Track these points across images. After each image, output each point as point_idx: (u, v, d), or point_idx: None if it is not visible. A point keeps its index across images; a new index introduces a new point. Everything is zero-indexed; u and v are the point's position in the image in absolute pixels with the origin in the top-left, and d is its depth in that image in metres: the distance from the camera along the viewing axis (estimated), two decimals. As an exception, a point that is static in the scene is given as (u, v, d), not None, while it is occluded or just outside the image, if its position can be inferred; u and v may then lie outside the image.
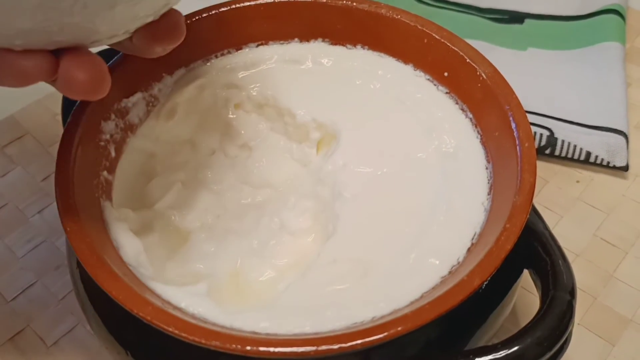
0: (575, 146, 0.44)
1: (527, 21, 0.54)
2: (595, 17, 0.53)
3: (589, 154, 0.44)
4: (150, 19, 0.26)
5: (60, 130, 0.45)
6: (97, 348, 0.36)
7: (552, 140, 0.45)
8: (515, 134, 0.32)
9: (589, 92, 0.48)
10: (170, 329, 0.25)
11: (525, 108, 0.46)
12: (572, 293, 0.29)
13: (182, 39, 0.28)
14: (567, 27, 0.53)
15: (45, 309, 0.38)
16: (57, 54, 0.25)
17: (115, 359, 0.30)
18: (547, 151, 0.45)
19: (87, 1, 0.22)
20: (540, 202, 0.43)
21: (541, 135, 0.45)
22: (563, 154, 0.45)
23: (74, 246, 0.27)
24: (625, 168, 0.44)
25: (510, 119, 0.32)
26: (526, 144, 0.31)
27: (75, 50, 0.25)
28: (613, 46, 0.50)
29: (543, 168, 0.45)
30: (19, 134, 0.46)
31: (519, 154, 0.31)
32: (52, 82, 0.26)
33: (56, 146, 0.45)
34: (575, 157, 0.45)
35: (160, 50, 0.29)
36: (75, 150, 0.31)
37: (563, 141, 0.45)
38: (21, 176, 0.44)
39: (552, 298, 0.29)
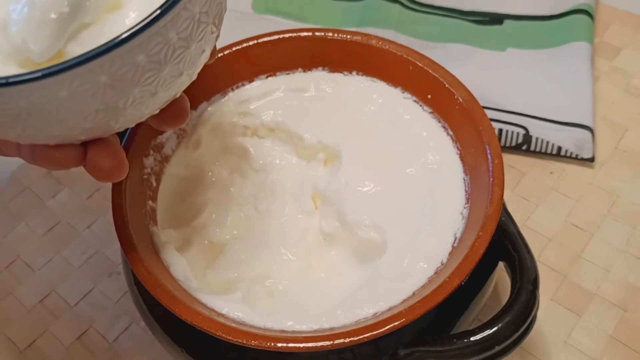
0: (547, 142, 0.51)
1: (506, 22, 0.60)
2: (566, 17, 0.58)
3: (559, 148, 0.51)
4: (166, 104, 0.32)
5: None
6: (150, 342, 0.44)
7: (527, 137, 0.51)
8: (487, 151, 0.38)
9: (560, 90, 0.54)
10: (219, 334, 0.32)
11: (505, 108, 0.53)
12: (535, 284, 0.36)
13: (186, 121, 0.34)
14: (542, 27, 0.59)
15: (104, 311, 0.45)
16: (84, 144, 0.30)
17: (172, 354, 0.37)
18: (524, 147, 0.51)
19: (135, 95, 0.28)
20: (518, 193, 0.50)
21: (518, 133, 0.51)
22: (537, 149, 0.51)
23: (136, 270, 0.34)
24: (592, 159, 0.50)
25: (483, 138, 0.38)
26: (496, 161, 0.37)
27: (99, 140, 0.30)
28: (582, 46, 0.55)
29: (521, 162, 0.52)
30: (63, 157, 0.53)
31: (490, 169, 0.37)
32: (83, 166, 0.31)
33: (96, 166, 0.52)
34: (548, 151, 0.51)
35: (167, 128, 0.35)
36: (125, 187, 0.38)
37: (537, 138, 0.51)
38: (69, 195, 0.51)
39: (519, 288, 0.35)
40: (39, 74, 0.24)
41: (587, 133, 0.51)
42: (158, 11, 0.26)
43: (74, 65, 0.24)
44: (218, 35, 0.31)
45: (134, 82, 0.27)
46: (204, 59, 0.31)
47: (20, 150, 0.32)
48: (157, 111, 0.31)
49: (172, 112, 0.33)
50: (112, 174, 0.31)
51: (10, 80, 0.24)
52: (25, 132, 0.28)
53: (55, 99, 0.26)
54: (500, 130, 0.52)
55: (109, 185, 0.50)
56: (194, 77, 0.32)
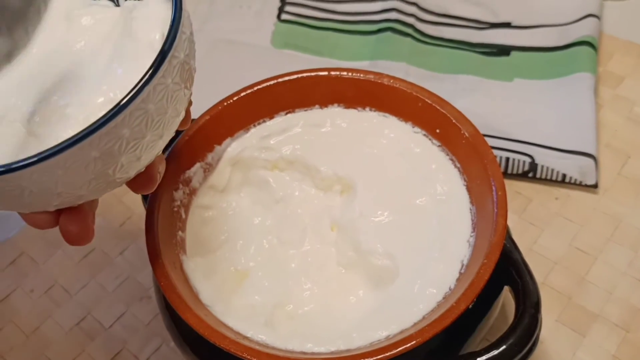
0: (552, 170, 0.53)
1: (513, 53, 0.63)
2: (570, 49, 0.61)
3: (564, 175, 0.53)
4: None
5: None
6: (179, 361, 0.47)
7: (533, 166, 0.54)
8: (492, 183, 0.41)
9: (565, 119, 0.56)
10: (245, 356, 0.35)
11: (511, 136, 0.56)
12: (537, 307, 0.38)
13: (155, 188, 0.36)
14: (548, 58, 0.62)
15: (136, 333, 0.48)
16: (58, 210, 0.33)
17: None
18: (530, 175, 0.54)
19: (123, 162, 0.31)
20: (525, 218, 0.53)
21: (524, 162, 0.54)
22: (543, 177, 0.54)
23: (168, 297, 0.38)
24: (595, 185, 0.53)
25: (488, 171, 0.41)
26: (500, 193, 0.40)
27: (70, 209, 0.33)
28: (585, 76, 0.58)
29: (528, 188, 0.54)
30: (96, 188, 0.56)
31: (495, 200, 0.40)
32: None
33: (128, 196, 0.56)
34: (554, 178, 0.54)
35: (138, 193, 0.37)
36: (158, 219, 0.41)
37: (542, 166, 0.54)
38: (102, 224, 0.54)
39: (522, 312, 0.38)
40: (36, 158, 0.27)
41: (590, 161, 0.53)
42: (136, 88, 0.28)
43: (67, 147, 0.27)
44: (191, 94, 0.34)
45: (121, 152, 0.30)
46: (181, 118, 0.34)
47: None
48: (143, 169, 0.34)
49: (141, 181, 0.35)
50: (78, 240, 0.34)
51: (13, 166, 0.27)
52: (27, 207, 0.31)
53: (53, 176, 0.29)
54: (508, 159, 0.54)
55: (140, 213, 0.54)
56: (173, 134, 0.34)
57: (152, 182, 0.36)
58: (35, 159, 0.27)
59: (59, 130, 0.32)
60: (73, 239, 0.34)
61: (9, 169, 0.27)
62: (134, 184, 0.35)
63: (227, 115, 0.47)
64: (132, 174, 0.33)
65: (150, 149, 0.32)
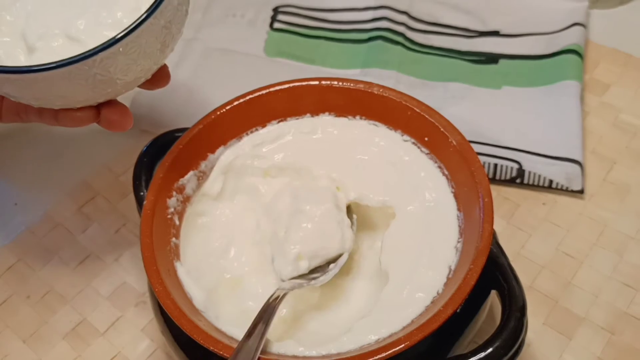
0: (540, 176, 0.55)
1: (502, 61, 0.64)
2: (557, 57, 0.62)
3: (551, 181, 0.54)
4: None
5: (123, 189, 0.57)
6: (174, 366, 0.48)
7: (521, 172, 0.55)
8: (478, 190, 0.42)
9: (552, 126, 0.58)
10: (237, 360, 0.36)
11: (499, 143, 0.57)
12: (522, 311, 0.39)
13: (168, 82, 0.46)
14: (535, 66, 0.63)
15: (131, 338, 0.49)
16: (98, 106, 0.42)
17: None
18: (518, 180, 0.55)
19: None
20: (513, 223, 0.54)
21: (512, 168, 0.55)
22: (531, 182, 0.55)
23: (162, 303, 0.38)
24: (581, 191, 0.54)
25: (475, 178, 0.42)
26: (486, 199, 0.41)
27: (109, 102, 0.42)
28: (571, 84, 0.59)
29: (515, 194, 0.55)
30: (92, 195, 0.57)
31: (481, 206, 0.41)
32: (97, 122, 0.43)
33: (122, 203, 0.57)
34: (541, 184, 0.55)
35: (157, 88, 0.46)
36: (152, 227, 0.42)
37: (530, 172, 0.55)
38: (98, 230, 0.55)
39: (508, 315, 0.39)
40: (107, 44, 0.37)
41: (576, 167, 0.54)
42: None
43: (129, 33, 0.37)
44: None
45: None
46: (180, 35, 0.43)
47: (42, 116, 0.43)
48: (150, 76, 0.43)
49: (159, 76, 0.44)
50: (122, 125, 0.43)
51: (98, 49, 0.37)
52: (95, 92, 0.40)
53: (118, 61, 0.38)
54: (496, 165, 0.55)
55: (135, 220, 0.55)
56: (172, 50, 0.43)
57: (167, 77, 0.45)
58: (106, 44, 0.37)
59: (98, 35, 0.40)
60: (116, 126, 0.43)
61: (99, 49, 0.36)
62: (154, 79, 0.44)
63: (220, 124, 0.47)
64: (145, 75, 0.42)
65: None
